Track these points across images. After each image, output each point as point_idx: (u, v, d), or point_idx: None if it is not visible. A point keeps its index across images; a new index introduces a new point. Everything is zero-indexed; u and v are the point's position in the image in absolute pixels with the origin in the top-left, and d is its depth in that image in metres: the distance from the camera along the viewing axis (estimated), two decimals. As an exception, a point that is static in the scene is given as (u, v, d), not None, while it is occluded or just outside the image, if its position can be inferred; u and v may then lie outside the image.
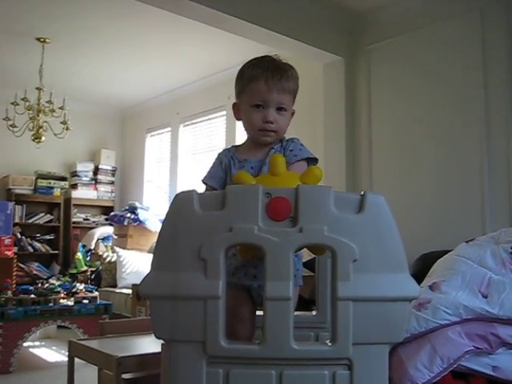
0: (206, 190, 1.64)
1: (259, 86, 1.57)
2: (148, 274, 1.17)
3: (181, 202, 1.18)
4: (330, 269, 1.69)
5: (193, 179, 6.02)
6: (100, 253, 5.92)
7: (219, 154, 1.69)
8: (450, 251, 2.34)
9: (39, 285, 4.21)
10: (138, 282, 1.18)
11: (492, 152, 3.52)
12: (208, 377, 1.13)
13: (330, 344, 1.13)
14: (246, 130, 1.68)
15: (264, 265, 1.13)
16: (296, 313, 1.14)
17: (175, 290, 1.13)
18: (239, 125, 1.65)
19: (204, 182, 1.66)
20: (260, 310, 1.57)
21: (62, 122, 5.28)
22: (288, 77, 1.59)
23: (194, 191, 1.18)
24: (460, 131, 3.70)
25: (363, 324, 1.11)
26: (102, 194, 7.13)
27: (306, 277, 2.99)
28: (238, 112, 1.67)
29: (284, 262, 1.11)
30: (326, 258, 1.72)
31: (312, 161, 1.61)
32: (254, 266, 1.53)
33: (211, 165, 1.69)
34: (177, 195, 1.20)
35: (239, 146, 1.72)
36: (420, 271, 2.34)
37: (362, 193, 1.17)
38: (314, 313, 1.82)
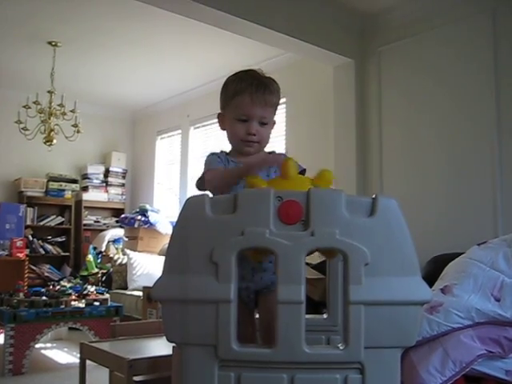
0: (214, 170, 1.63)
1: (243, 101, 1.62)
2: (160, 278, 1.17)
3: (192, 206, 1.18)
4: (341, 271, 1.69)
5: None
6: (111, 255, 5.94)
7: (211, 154, 1.72)
8: (461, 254, 2.33)
9: (51, 287, 4.23)
10: (149, 284, 1.19)
11: (504, 153, 3.50)
12: (220, 380, 1.13)
13: (341, 348, 1.13)
14: (229, 141, 1.73)
15: (276, 268, 1.13)
16: (307, 316, 1.13)
17: (187, 293, 1.13)
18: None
19: (211, 167, 1.64)
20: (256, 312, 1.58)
21: (73, 125, 5.31)
22: (271, 91, 1.65)
23: (205, 195, 1.19)
24: (471, 133, 3.68)
25: (375, 328, 1.11)
26: (112, 196, 7.15)
27: (317, 279, 2.99)
28: (223, 122, 1.73)
29: (296, 265, 1.11)
30: (337, 261, 1.72)
31: (303, 172, 1.64)
32: (241, 267, 1.51)
33: (207, 162, 1.68)
34: (188, 199, 1.20)
35: (228, 152, 1.75)
36: (431, 274, 2.33)
37: (374, 196, 1.17)
38: (325, 316, 1.81)
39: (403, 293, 1.12)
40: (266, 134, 1.69)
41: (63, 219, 6.80)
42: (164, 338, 1.18)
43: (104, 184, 7.09)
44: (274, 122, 1.74)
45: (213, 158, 1.69)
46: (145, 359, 2.04)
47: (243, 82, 1.64)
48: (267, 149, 1.76)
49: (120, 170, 7.24)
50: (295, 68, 4.97)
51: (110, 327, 2.68)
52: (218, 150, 1.75)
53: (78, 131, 5.33)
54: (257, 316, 1.61)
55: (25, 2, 4.12)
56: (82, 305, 3.91)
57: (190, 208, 1.18)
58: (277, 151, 1.76)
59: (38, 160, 6.55)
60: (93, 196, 6.93)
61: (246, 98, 1.62)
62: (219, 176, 1.57)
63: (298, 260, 1.11)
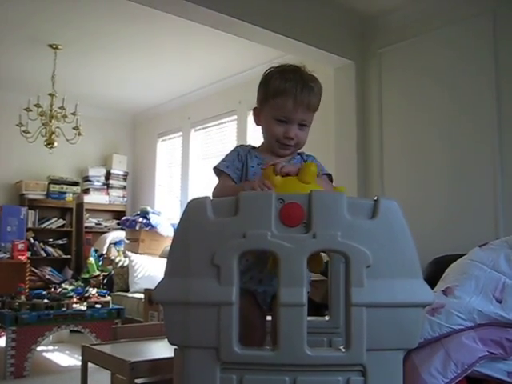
0: (223, 177, 1.61)
1: (286, 103, 1.54)
2: (162, 281, 1.18)
3: (194, 209, 1.18)
4: (342, 273, 1.68)
5: (204, 184, 6.05)
6: (112, 257, 5.94)
7: (237, 147, 1.69)
8: (462, 255, 2.33)
9: (52, 289, 4.23)
10: (150, 286, 1.19)
11: (504, 154, 3.50)
12: (222, 382, 1.13)
13: (343, 350, 1.13)
14: (264, 138, 1.67)
15: (277, 271, 1.13)
16: (309, 318, 1.13)
17: (189, 296, 1.13)
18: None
19: (219, 168, 1.62)
20: (268, 315, 1.57)
21: (74, 128, 5.31)
22: (315, 94, 1.58)
23: (207, 198, 1.19)
24: (472, 134, 3.68)
25: (377, 330, 1.11)
26: (113, 198, 7.16)
27: (318, 281, 2.98)
28: (259, 118, 1.65)
29: (297, 267, 1.11)
30: (338, 263, 1.72)
31: (330, 177, 1.66)
32: (260, 271, 1.52)
33: (228, 155, 1.66)
34: (190, 202, 1.20)
35: (257, 147, 1.71)
36: (433, 275, 2.32)
37: (376, 198, 1.17)
38: (326, 318, 1.81)
39: (405, 295, 1.12)
40: (303, 137, 1.62)
41: (64, 222, 6.80)
42: (165, 340, 1.18)
43: (105, 186, 7.10)
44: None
45: (229, 153, 1.65)
46: (146, 362, 2.04)
47: (288, 81, 1.55)
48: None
49: (121, 173, 7.24)
50: (296, 70, 4.96)
51: (111, 330, 2.68)
52: (247, 143, 1.71)
53: (79, 134, 5.34)
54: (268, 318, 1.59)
55: (26, 4, 4.13)
56: (83, 307, 3.91)
57: (191, 211, 1.18)
58: (306, 152, 1.72)
59: (39, 163, 6.56)
60: (94, 198, 6.94)
61: (289, 100, 1.54)
62: (220, 194, 1.50)
63: (299, 262, 1.11)
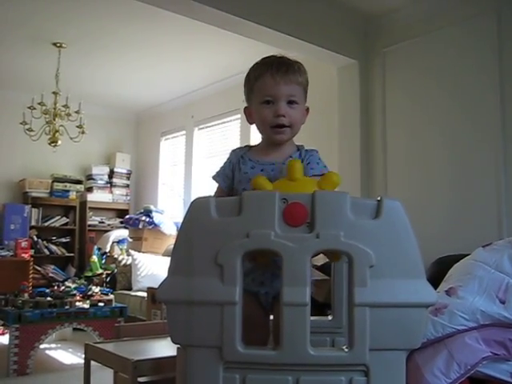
0: (217, 187, 1.66)
1: (266, 81, 1.53)
2: (165, 279, 1.17)
3: (197, 208, 1.18)
4: (345, 273, 1.68)
5: (207, 183, 6.05)
6: (115, 256, 5.95)
7: (230, 153, 1.68)
8: (466, 255, 2.33)
9: (55, 287, 4.24)
10: (153, 285, 1.19)
11: (508, 155, 3.48)
12: (225, 382, 1.13)
13: (346, 350, 1.13)
14: (259, 130, 1.63)
15: (281, 270, 1.12)
16: (312, 318, 1.13)
17: (192, 295, 1.13)
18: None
19: (213, 178, 1.67)
20: (271, 314, 1.57)
21: (77, 126, 5.32)
22: (294, 70, 1.55)
23: (210, 197, 1.19)
24: (475, 134, 3.67)
25: (380, 330, 1.11)
26: (117, 197, 7.17)
27: (321, 280, 2.98)
28: (250, 115, 1.63)
29: (301, 267, 1.11)
30: (341, 262, 1.72)
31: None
32: (261, 273, 1.52)
33: (223, 162, 1.69)
34: (193, 201, 1.20)
35: (254, 146, 1.69)
36: (436, 275, 2.32)
37: (379, 198, 1.16)
38: (329, 317, 1.81)
39: (408, 295, 1.12)
40: (296, 116, 1.55)
41: (68, 220, 6.81)
42: (168, 338, 1.18)
43: (108, 185, 7.11)
44: (307, 109, 1.62)
45: (223, 165, 1.66)
46: (149, 360, 2.04)
47: (263, 65, 1.56)
48: (297, 140, 1.67)
49: (124, 171, 7.25)
50: (299, 69, 4.96)
51: (114, 328, 2.68)
52: (243, 145, 1.71)
53: (83, 132, 5.34)
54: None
55: (29, 3, 4.13)
56: (86, 305, 3.92)
57: (195, 210, 1.18)
58: (305, 146, 1.67)
59: (42, 161, 6.58)
60: (97, 197, 6.95)
61: (267, 78, 1.53)
62: None
63: (303, 262, 1.11)
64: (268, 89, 1.53)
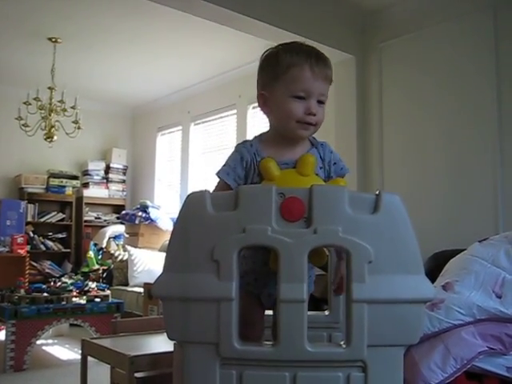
0: (221, 185, 1.46)
1: (303, 73, 1.38)
2: (160, 275, 1.16)
3: (193, 203, 1.16)
4: (334, 265, 1.68)
5: (204, 178, 6.04)
6: (111, 251, 5.94)
7: (240, 148, 1.48)
8: (462, 250, 2.33)
9: (52, 283, 4.23)
10: (150, 280, 1.18)
11: (505, 150, 3.49)
12: (221, 378, 1.12)
13: (344, 346, 1.12)
14: (276, 122, 1.48)
15: (277, 266, 1.12)
16: (309, 313, 1.12)
17: (188, 291, 1.12)
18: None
19: (219, 176, 1.46)
20: (269, 309, 1.55)
21: (73, 122, 5.30)
22: (330, 66, 1.44)
23: (206, 191, 1.17)
24: (472, 129, 3.67)
25: (378, 326, 1.10)
26: (113, 192, 7.15)
27: (318, 275, 2.98)
28: (266, 104, 1.47)
29: (298, 263, 1.10)
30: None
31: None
32: (266, 274, 1.44)
33: (230, 158, 1.49)
34: (189, 195, 1.18)
35: (263, 139, 1.51)
36: (432, 270, 2.32)
37: (377, 192, 1.14)
38: (326, 313, 1.81)
39: (407, 291, 1.11)
40: (322, 116, 1.45)
41: (64, 215, 6.80)
42: (165, 334, 1.18)
43: (105, 180, 7.09)
44: None
45: (232, 157, 1.47)
46: (146, 356, 2.04)
47: (300, 52, 1.41)
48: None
49: (120, 167, 7.24)
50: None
51: (111, 324, 2.68)
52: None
53: (79, 127, 5.33)
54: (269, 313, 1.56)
55: (25, -3, 4.11)
56: (83, 301, 3.91)
57: (190, 205, 1.17)
58: (318, 140, 1.57)
59: (38, 156, 6.55)
60: (93, 192, 6.94)
61: (305, 70, 1.38)
62: None
63: (300, 258, 1.10)
64: (304, 82, 1.39)
